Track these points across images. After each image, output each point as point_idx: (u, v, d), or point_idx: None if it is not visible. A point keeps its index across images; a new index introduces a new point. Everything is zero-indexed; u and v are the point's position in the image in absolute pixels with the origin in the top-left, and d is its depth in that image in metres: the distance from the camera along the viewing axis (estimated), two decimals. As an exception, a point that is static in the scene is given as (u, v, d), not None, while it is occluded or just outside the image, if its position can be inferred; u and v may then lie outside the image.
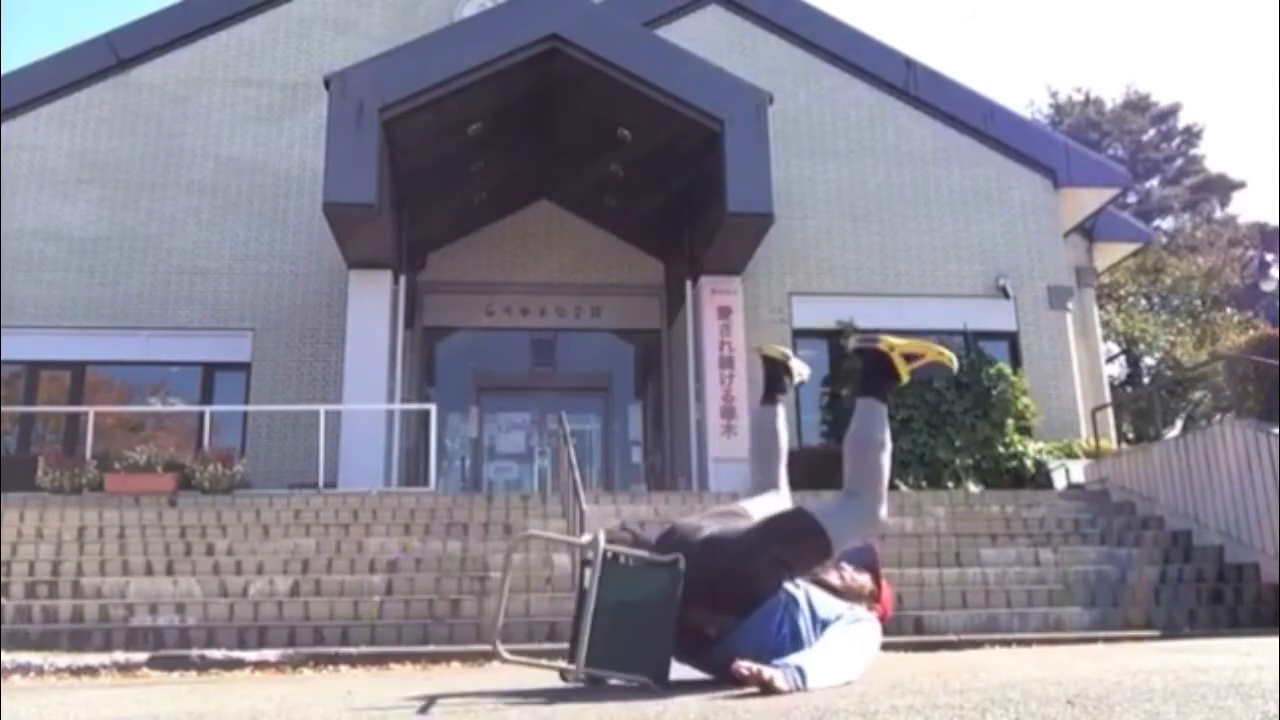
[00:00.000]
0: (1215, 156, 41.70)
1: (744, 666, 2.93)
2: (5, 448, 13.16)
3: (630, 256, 15.42)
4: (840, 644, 3.27)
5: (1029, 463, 12.64)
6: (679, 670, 3.30)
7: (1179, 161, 36.74)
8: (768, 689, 2.86)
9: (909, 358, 3.52)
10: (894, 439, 3.59)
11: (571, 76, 12.45)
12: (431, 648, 6.64)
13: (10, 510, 9.24)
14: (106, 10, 52.73)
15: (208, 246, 14.16)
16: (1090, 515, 10.08)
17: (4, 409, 12.73)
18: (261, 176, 14.53)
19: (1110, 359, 22.73)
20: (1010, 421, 13.00)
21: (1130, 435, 18.26)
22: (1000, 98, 25.97)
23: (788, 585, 3.32)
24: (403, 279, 13.33)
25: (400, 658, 6.34)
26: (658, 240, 15.09)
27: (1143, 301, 25.19)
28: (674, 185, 13.63)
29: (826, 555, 3.44)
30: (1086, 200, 15.40)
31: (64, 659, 5.96)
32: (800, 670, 3.00)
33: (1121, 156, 34.00)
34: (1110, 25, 57.31)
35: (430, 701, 3.20)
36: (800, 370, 4.16)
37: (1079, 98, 36.97)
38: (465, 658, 6.26)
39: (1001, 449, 12.73)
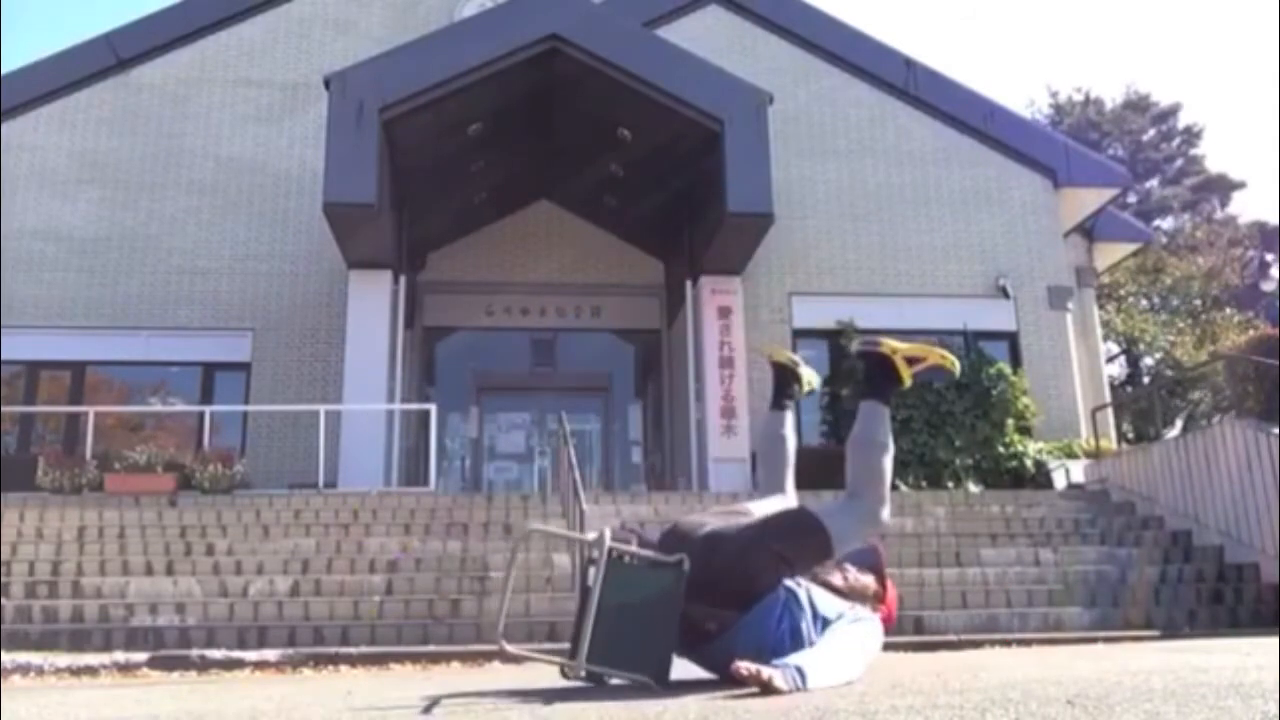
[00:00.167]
0: (1215, 156, 41.79)
1: (743, 666, 2.93)
2: (5, 448, 13.16)
3: (630, 256, 15.42)
4: (841, 644, 3.27)
5: (1029, 463, 12.64)
6: (679, 667, 3.30)
7: (1179, 161, 36.75)
8: (767, 689, 2.86)
9: (911, 361, 3.56)
10: (894, 439, 3.61)
11: (571, 76, 12.45)
12: (431, 648, 6.64)
13: (10, 510, 9.25)
14: (106, 10, 52.80)
15: (208, 246, 14.17)
16: (1090, 515, 10.08)
17: (4, 409, 12.73)
18: (261, 176, 14.53)
19: (1110, 359, 22.73)
20: (1010, 421, 13.00)
21: (1130, 435, 18.23)
22: (1000, 98, 26.00)
23: (788, 582, 3.32)
24: (403, 279, 13.32)
25: (400, 658, 6.34)
26: (658, 240, 15.09)
27: (1143, 301, 25.18)
28: (674, 185, 13.63)
29: (827, 554, 3.45)
30: (1086, 200, 15.40)
31: (64, 659, 5.96)
32: (800, 670, 3.00)
33: (1121, 156, 34.02)
34: (1110, 25, 57.35)
35: (431, 701, 3.20)
36: (810, 378, 4.15)
37: (1079, 98, 36.99)
38: (465, 658, 6.27)
39: (1001, 449, 12.74)
